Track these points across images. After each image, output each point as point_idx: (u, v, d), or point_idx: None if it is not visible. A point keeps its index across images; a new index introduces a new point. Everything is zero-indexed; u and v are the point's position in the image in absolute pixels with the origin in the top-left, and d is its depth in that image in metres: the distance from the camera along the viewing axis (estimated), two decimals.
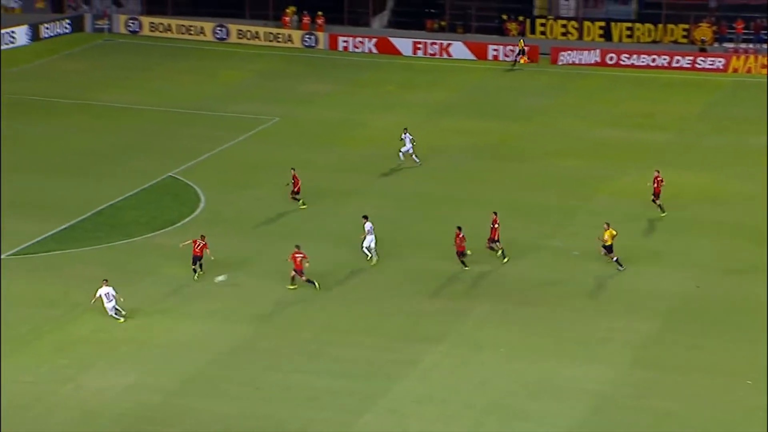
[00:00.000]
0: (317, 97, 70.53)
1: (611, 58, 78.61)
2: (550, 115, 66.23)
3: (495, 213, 45.01)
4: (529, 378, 35.91)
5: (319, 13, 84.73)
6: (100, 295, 39.26)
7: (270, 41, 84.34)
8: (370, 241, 44.22)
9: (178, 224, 48.75)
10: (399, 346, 38.07)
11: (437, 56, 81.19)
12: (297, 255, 41.76)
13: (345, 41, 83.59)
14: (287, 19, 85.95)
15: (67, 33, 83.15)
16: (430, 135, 60.69)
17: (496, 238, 44.61)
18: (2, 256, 44.13)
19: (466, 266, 43.80)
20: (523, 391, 35.14)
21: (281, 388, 35.36)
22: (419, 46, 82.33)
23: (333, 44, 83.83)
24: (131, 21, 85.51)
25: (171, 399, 34.67)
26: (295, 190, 50.14)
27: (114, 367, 36.34)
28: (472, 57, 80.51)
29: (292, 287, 41.99)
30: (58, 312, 40.03)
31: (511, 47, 79.46)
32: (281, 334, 38.99)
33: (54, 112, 65.10)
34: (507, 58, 79.42)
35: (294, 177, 50.16)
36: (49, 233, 46.94)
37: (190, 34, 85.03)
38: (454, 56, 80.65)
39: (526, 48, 78.48)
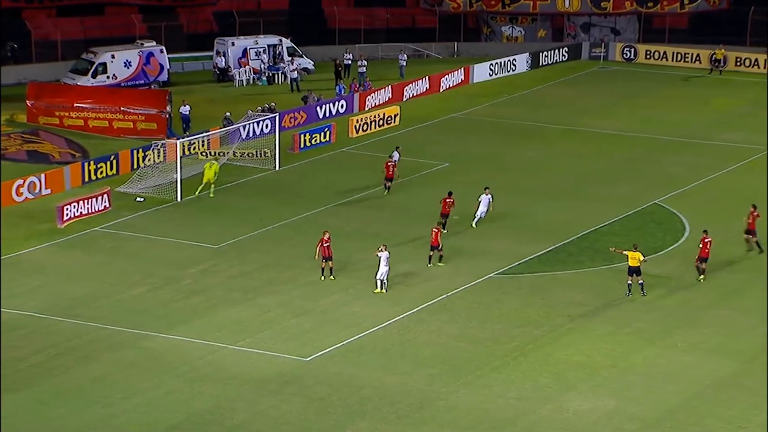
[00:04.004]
0: None
1: None
2: None
3: None
4: None
5: None
6: (380, 258, 43.05)
7: None
8: (482, 212, 49.71)
9: (661, 252, 48.29)
10: None
11: None
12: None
13: None
14: None
15: (564, 61, 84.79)
16: None
17: None
18: (491, 275, 45.67)
19: (444, 228, 47.91)
20: None
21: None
22: None
23: None
24: (627, 49, 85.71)
25: (647, 428, 34.35)
26: (387, 176, 53.92)
27: (594, 391, 36.50)
28: None
29: None
30: (540, 332, 40.73)
31: None
32: None
33: (544, 136, 66.45)
34: None
35: (387, 166, 53.89)
36: (535, 254, 47.86)
37: (685, 61, 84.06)
38: None
39: None
